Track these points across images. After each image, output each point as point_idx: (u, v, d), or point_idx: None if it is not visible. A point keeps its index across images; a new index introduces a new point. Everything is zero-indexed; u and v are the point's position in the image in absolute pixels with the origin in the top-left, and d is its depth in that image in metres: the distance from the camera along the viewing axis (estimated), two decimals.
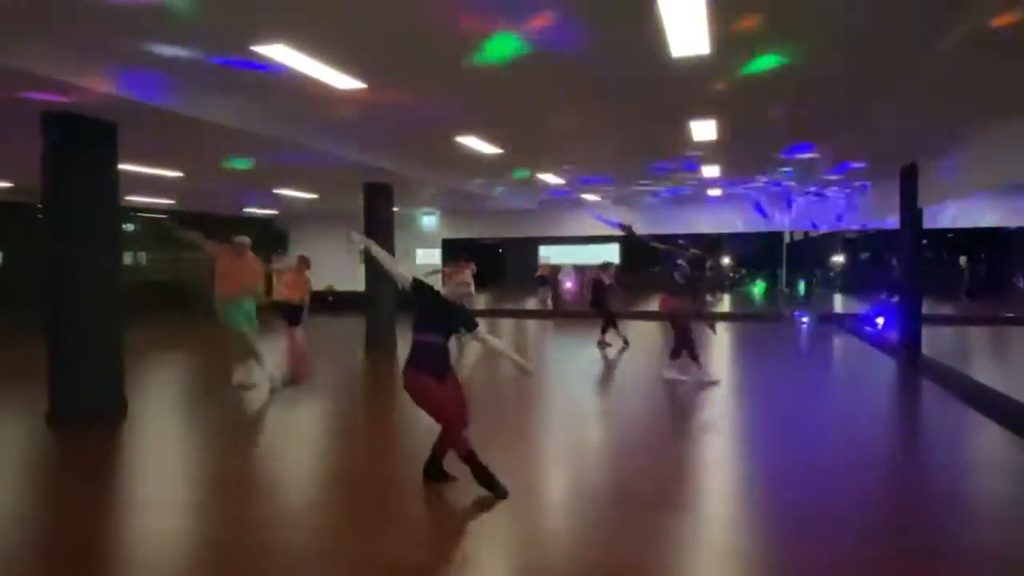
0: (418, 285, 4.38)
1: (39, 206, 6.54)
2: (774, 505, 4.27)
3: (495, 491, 4.25)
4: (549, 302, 20.25)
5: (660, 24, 4.53)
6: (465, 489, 4.38)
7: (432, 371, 4.27)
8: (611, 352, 10.76)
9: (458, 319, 4.41)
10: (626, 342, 11.09)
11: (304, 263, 10.49)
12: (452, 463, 4.50)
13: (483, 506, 4.20)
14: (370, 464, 5.22)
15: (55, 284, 6.32)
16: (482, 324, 4.47)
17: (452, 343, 4.59)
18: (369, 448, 5.80)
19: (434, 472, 4.52)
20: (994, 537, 3.88)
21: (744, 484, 4.77)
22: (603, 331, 11.24)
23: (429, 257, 19.57)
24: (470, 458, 4.30)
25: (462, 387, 4.57)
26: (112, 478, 5.09)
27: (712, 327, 8.72)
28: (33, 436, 6.02)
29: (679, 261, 7.84)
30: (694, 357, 8.03)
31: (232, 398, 7.39)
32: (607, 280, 11.36)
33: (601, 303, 11.37)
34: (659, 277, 8.12)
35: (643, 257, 9.04)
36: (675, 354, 8.05)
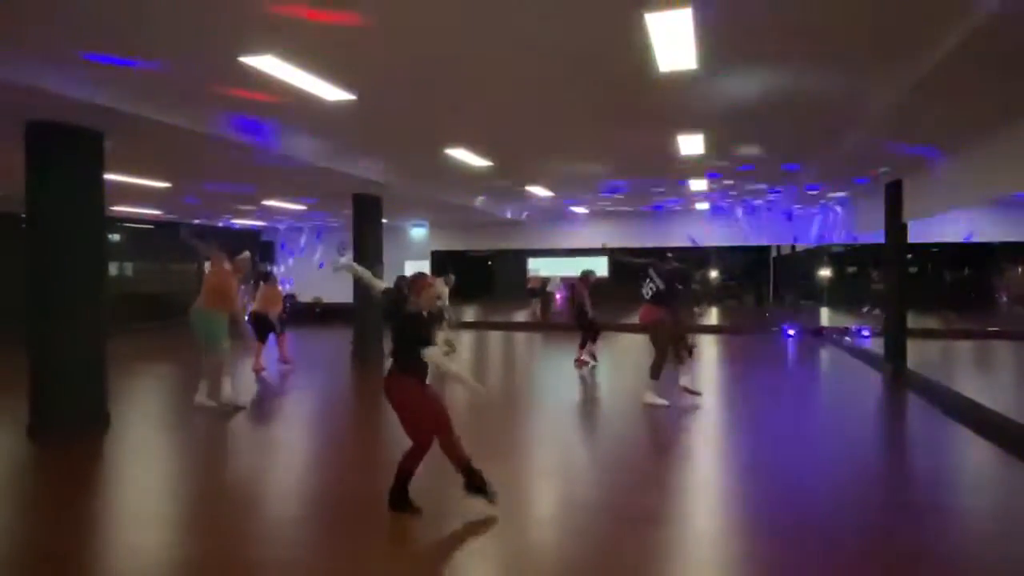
0: (389, 301, 4.32)
1: (23, 216, 6.48)
2: (760, 519, 4.27)
3: (486, 495, 4.21)
4: (539, 314, 20.26)
5: (648, 39, 4.58)
6: (450, 503, 4.35)
7: (415, 375, 4.17)
8: (594, 366, 10.67)
9: (422, 331, 4.16)
10: (594, 358, 10.90)
11: (272, 278, 10.54)
12: (423, 487, 4.46)
13: (469, 521, 4.16)
14: (356, 478, 5.18)
15: (38, 294, 6.25)
16: (437, 347, 4.26)
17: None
18: (355, 461, 5.75)
19: (399, 500, 4.23)
20: (979, 549, 3.90)
21: (730, 498, 4.77)
22: (581, 346, 11.02)
23: (418, 269, 19.55)
24: (466, 466, 4.22)
25: (442, 399, 4.40)
26: (93, 491, 5.02)
27: (690, 350, 8.17)
28: (14, 449, 5.94)
29: (657, 271, 7.66)
30: (681, 360, 7.76)
31: (216, 409, 7.30)
32: (585, 289, 11.10)
33: (582, 315, 11.12)
34: (641, 290, 7.89)
35: (628, 270, 8.88)
36: (655, 372, 7.62)
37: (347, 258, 4.83)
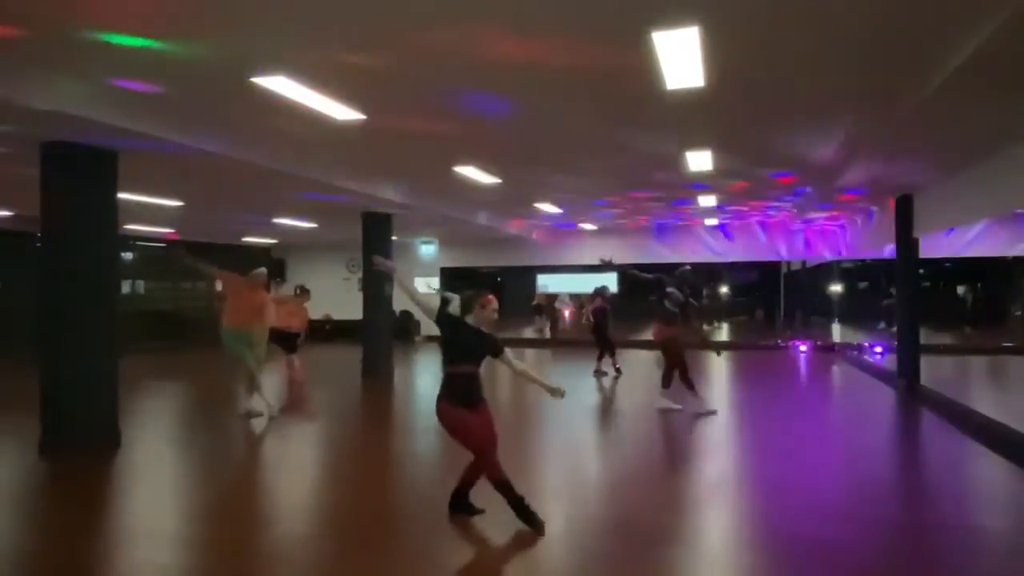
0: (444, 316, 4.28)
1: (38, 235, 6.56)
2: (774, 537, 4.22)
3: (533, 524, 4.12)
4: (547, 331, 20.23)
5: (655, 57, 4.61)
6: (465, 522, 4.33)
7: (466, 402, 4.18)
8: (608, 381, 10.71)
9: (485, 345, 4.27)
10: (619, 371, 11.00)
11: (305, 294, 10.61)
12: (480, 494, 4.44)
13: (482, 540, 4.14)
14: (368, 496, 5.16)
15: (50, 312, 6.30)
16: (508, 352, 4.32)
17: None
18: (367, 479, 5.73)
19: (460, 504, 4.38)
20: (995, 566, 3.83)
21: (743, 516, 4.72)
22: (599, 359, 11.16)
23: (428, 286, 19.58)
24: (504, 487, 4.16)
25: (492, 416, 4.39)
26: (104, 509, 5.02)
27: (717, 350, 8.24)
28: (26, 466, 5.96)
29: (669, 289, 7.68)
30: (689, 386, 7.82)
31: (227, 427, 7.32)
32: (605, 305, 11.26)
33: (601, 330, 11.28)
34: (654, 306, 7.91)
35: (640, 286, 8.84)
36: (666, 381, 7.81)
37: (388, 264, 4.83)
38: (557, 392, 4.31)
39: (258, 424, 7.49)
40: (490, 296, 4.33)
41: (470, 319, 4.28)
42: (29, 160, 6.39)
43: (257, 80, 5.10)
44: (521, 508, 4.15)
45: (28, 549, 4.20)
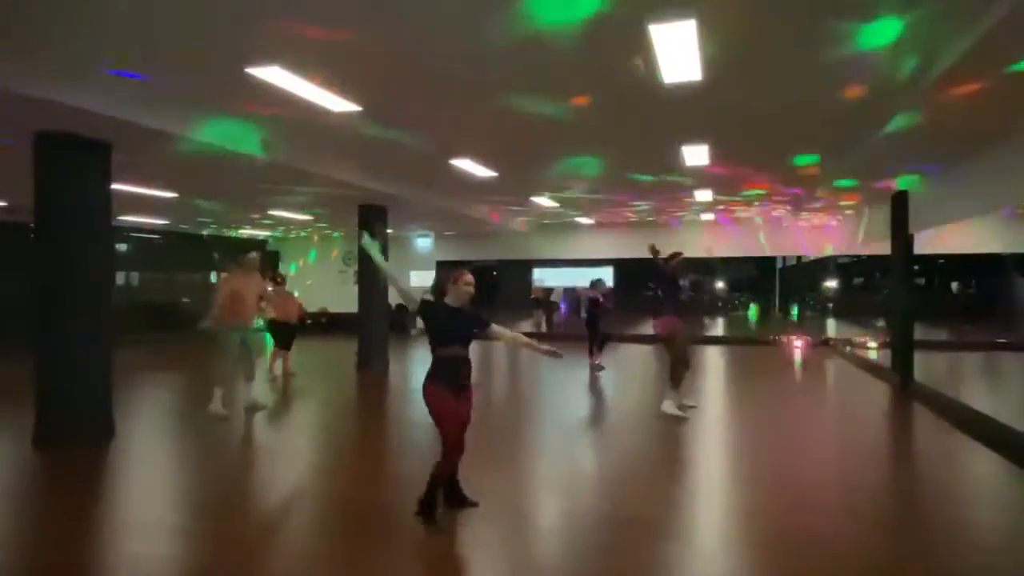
0: (427, 304, 4.28)
1: (31, 225, 6.52)
2: (766, 531, 4.24)
3: (427, 520, 4.16)
4: (543, 325, 20.26)
5: (652, 50, 4.60)
6: (457, 515, 4.34)
7: (453, 384, 4.18)
8: (604, 375, 10.73)
9: (471, 322, 4.29)
10: (601, 367, 11.01)
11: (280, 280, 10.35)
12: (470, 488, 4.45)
13: (476, 532, 4.15)
14: (362, 488, 5.17)
15: (44, 303, 6.28)
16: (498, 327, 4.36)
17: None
18: (361, 471, 5.74)
19: (454, 496, 4.41)
20: (987, 562, 3.85)
21: (736, 511, 4.73)
22: (591, 353, 11.14)
23: (423, 279, 19.58)
24: (436, 482, 4.19)
25: (471, 407, 4.39)
26: (99, 500, 5.02)
27: (686, 362, 7.72)
28: (19, 457, 5.95)
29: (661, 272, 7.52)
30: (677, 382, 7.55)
31: (223, 419, 7.30)
32: (601, 299, 11.23)
33: (594, 323, 11.27)
34: (652, 299, 7.81)
35: (638, 279, 8.85)
36: (676, 381, 7.48)
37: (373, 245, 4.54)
38: (554, 353, 4.38)
39: (252, 417, 7.46)
40: (462, 271, 4.32)
41: (449, 300, 4.29)
42: (23, 150, 6.35)
43: (252, 71, 5.08)
44: (428, 504, 4.17)
45: (22, 541, 4.20)
